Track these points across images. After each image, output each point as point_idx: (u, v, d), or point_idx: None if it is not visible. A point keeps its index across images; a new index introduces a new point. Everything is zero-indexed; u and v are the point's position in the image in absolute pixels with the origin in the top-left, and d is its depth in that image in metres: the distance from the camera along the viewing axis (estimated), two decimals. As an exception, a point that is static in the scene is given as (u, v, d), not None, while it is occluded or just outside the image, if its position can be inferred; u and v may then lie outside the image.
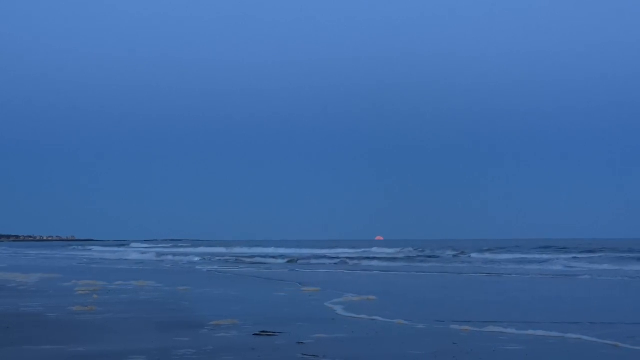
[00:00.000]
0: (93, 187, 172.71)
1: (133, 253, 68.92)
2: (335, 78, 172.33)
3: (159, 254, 65.62)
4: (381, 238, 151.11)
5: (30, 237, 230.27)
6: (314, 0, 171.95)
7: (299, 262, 51.54)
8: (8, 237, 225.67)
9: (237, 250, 77.60)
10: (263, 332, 12.26)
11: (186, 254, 65.39)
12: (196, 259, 56.59)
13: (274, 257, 58.99)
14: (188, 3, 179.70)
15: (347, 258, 52.44)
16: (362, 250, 68.11)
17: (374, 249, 68.74)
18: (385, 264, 45.62)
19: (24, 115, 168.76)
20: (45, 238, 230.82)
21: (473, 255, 54.56)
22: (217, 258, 56.83)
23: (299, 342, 11.15)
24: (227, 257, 58.11)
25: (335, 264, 46.86)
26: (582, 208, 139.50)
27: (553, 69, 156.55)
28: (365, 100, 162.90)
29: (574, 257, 47.89)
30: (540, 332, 12.03)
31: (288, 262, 52.13)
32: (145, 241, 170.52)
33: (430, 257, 54.22)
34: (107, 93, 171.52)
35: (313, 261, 51.20)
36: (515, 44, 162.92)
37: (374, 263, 46.36)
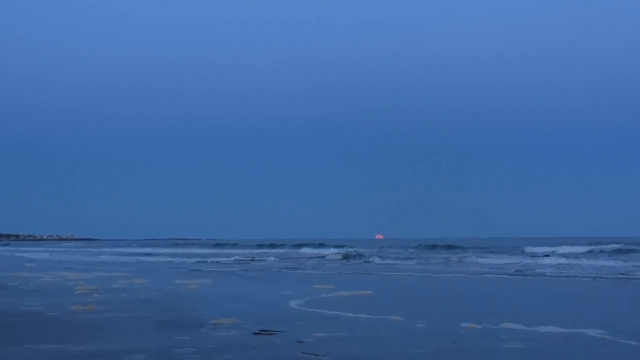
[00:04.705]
0: (93, 186, 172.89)
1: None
2: (335, 79, 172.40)
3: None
4: (381, 237, 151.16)
5: (31, 236, 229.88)
6: (321, 2, 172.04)
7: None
8: (8, 236, 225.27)
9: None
10: (263, 331, 12.25)
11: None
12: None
13: None
14: (193, 6, 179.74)
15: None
16: (317, 251, 66.55)
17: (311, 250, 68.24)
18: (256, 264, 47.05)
19: (25, 115, 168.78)
20: (45, 237, 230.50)
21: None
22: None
23: (299, 341, 11.15)
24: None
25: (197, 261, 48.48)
26: (578, 207, 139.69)
27: (551, 71, 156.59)
28: (366, 100, 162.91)
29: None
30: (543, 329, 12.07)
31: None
32: (145, 240, 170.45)
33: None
34: (107, 94, 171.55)
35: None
36: (516, 44, 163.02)
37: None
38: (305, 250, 68.94)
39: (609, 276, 28.56)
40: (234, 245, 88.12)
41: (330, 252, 60.33)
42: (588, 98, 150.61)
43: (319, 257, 54.64)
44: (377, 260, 47.28)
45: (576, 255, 47.91)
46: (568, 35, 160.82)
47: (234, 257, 53.43)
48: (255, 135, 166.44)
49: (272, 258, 51.87)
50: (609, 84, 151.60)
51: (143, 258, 56.64)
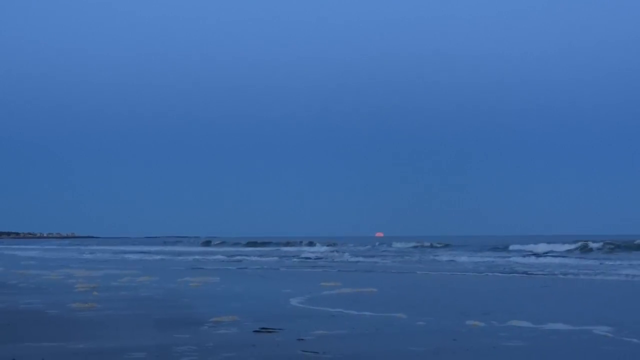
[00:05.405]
0: (93, 185, 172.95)
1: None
2: (335, 78, 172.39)
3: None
4: (381, 234, 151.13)
5: (31, 234, 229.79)
6: (321, 2, 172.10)
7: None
8: (8, 234, 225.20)
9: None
10: (263, 328, 12.23)
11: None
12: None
13: None
14: (193, 6, 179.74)
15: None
16: (295, 249, 67.80)
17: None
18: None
19: (25, 115, 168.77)
20: (45, 235, 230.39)
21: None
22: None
23: (299, 339, 11.13)
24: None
25: None
26: (576, 206, 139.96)
27: (548, 71, 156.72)
28: (366, 99, 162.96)
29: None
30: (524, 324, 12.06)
31: None
32: (146, 238, 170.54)
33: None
34: (108, 94, 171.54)
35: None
36: (516, 44, 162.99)
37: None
38: (287, 248, 70.70)
39: (605, 274, 28.55)
40: (223, 243, 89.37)
41: (308, 249, 63.13)
42: (588, 98, 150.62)
43: (294, 255, 55.25)
44: (348, 258, 49.05)
45: (566, 253, 48.91)
46: (568, 35, 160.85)
47: (217, 256, 53.92)
48: (255, 135, 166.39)
49: (254, 257, 51.90)
50: (608, 84, 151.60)
51: (139, 256, 56.79)
